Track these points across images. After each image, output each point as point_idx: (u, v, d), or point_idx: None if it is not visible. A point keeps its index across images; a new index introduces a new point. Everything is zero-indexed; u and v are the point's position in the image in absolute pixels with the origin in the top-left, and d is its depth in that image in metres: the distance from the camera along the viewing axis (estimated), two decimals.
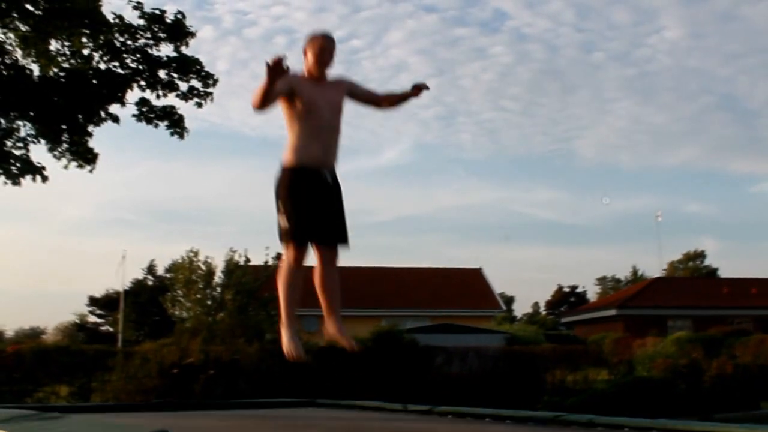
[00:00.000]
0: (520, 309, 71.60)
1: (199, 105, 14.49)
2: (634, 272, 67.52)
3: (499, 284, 74.33)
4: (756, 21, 69.86)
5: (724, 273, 60.47)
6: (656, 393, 17.26)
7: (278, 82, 4.39)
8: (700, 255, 65.74)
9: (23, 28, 13.00)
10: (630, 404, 16.05)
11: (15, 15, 12.68)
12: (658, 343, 21.86)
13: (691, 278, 56.02)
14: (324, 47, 4.76)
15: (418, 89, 5.03)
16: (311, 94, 4.66)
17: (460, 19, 76.06)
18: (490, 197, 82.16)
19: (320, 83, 4.77)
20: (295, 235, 4.60)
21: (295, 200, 4.60)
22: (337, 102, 4.83)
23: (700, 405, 16.90)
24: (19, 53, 13.29)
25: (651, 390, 17.38)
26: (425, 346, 20.40)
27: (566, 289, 69.56)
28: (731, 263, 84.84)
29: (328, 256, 4.80)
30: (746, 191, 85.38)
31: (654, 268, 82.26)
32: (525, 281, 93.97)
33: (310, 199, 4.61)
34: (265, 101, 4.49)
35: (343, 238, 4.83)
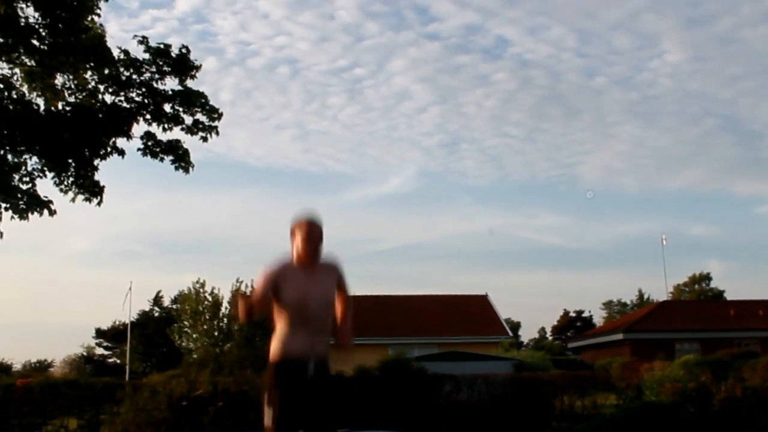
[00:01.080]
0: (527, 335, 71.60)
1: (204, 139, 14.57)
2: (641, 296, 67.44)
3: (505, 310, 74.31)
4: (756, 43, 70.45)
5: (731, 295, 60.42)
6: (665, 417, 17.18)
7: (265, 287, 4.62)
8: (706, 277, 65.59)
9: (29, 63, 13.13)
10: (639, 429, 15.98)
11: (21, 50, 12.83)
12: (665, 367, 21.74)
13: (698, 301, 55.87)
14: (311, 234, 4.83)
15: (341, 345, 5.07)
16: (298, 289, 4.69)
17: (463, 47, 76.69)
18: (494, 223, 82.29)
19: (310, 269, 4.79)
20: (279, 428, 4.66)
21: (280, 395, 4.67)
22: (326, 293, 4.85)
23: (709, 429, 16.83)
24: (25, 88, 13.43)
25: (660, 414, 17.30)
26: (433, 374, 20.35)
27: (572, 314, 69.38)
28: (737, 285, 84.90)
29: None
30: (751, 212, 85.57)
31: (660, 291, 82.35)
32: (531, 307, 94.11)
33: (294, 394, 4.67)
34: (251, 315, 4.68)
35: (325, 427, 4.84)
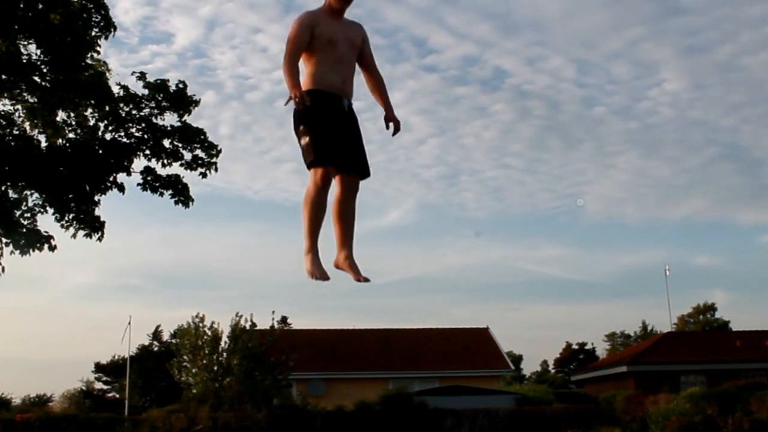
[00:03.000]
0: (529, 368, 70.93)
1: (204, 175, 14.59)
2: (644, 327, 66.98)
3: (506, 343, 73.95)
4: (757, 71, 70.54)
5: (736, 325, 59.93)
6: None
7: (303, 32, 4.59)
8: (711, 308, 65.19)
9: (31, 99, 13.20)
10: None
11: (23, 87, 12.89)
12: (671, 400, 21.57)
13: (703, 332, 55.46)
14: None
15: (393, 124, 5.06)
16: (331, 30, 4.70)
17: (461, 78, 77.00)
18: (495, 255, 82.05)
19: (338, 19, 4.80)
20: (319, 152, 4.52)
21: (316, 119, 4.57)
22: (355, 40, 4.86)
23: None
24: (26, 124, 13.48)
25: None
26: (434, 408, 20.22)
27: (575, 347, 68.91)
28: (743, 315, 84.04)
29: (349, 185, 4.73)
30: (755, 241, 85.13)
31: (664, 322, 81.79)
32: (533, 339, 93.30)
33: (331, 121, 4.61)
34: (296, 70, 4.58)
35: (365, 167, 4.80)
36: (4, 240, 13.09)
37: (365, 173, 4.81)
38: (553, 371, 68.04)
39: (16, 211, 13.20)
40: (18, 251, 13.05)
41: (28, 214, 13.44)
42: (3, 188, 12.96)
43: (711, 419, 18.95)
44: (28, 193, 13.36)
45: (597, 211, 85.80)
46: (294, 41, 4.63)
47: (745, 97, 75.15)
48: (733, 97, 75.90)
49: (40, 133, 13.50)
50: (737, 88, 74.21)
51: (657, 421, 19.94)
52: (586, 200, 76.69)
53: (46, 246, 13.24)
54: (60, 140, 13.62)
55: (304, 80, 4.65)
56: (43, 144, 13.53)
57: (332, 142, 4.56)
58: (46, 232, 13.43)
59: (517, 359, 63.77)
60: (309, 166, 4.56)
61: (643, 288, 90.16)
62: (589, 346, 68.71)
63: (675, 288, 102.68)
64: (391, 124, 5.06)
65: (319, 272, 4.67)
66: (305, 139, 4.56)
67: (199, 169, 14.54)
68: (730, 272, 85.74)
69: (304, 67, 4.72)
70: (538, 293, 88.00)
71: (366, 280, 4.81)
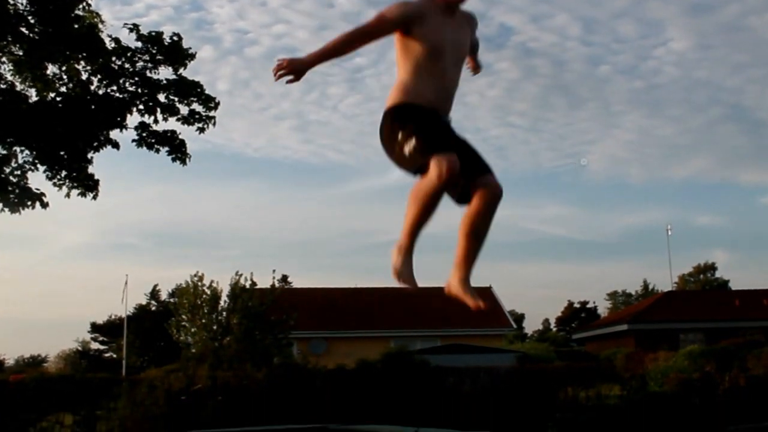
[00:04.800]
0: (531, 326, 71.23)
1: (201, 130, 14.33)
2: (645, 286, 67.13)
3: (508, 302, 74.15)
4: (763, 31, 69.82)
5: (736, 285, 60.02)
6: (670, 408, 17.01)
7: (393, 25, 3.77)
8: (711, 267, 65.29)
9: (17, 52, 12.87)
10: (644, 420, 15.80)
11: (9, 39, 12.56)
12: (670, 358, 21.53)
13: (703, 291, 55.55)
14: None
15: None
16: (439, 33, 3.80)
17: None
18: (498, 214, 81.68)
19: (451, 14, 3.87)
20: (437, 141, 3.66)
21: (419, 117, 3.74)
22: (464, 45, 3.98)
23: (714, 419, 16.66)
24: (13, 78, 13.15)
25: (664, 405, 17.13)
26: (436, 366, 20.13)
27: (577, 305, 69.05)
28: (743, 275, 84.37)
29: (491, 195, 3.96)
30: (757, 202, 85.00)
31: (665, 281, 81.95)
32: (535, 298, 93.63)
33: (438, 122, 3.81)
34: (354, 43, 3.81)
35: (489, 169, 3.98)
36: None
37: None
38: (554, 330, 68.26)
39: (5, 168, 12.94)
40: (8, 209, 12.83)
41: (18, 172, 13.17)
42: None
43: (708, 376, 18.95)
44: (18, 149, 13.08)
45: (601, 171, 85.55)
46: (378, 23, 3.79)
47: (751, 57, 74.47)
48: (738, 58, 75.26)
49: (29, 87, 13.19)
50: (743, 48, 73.51)
51: (656, 378, 19.92)
52: (589, 159, 76.36)
53: (38, 204, 12.99)
54: (51, 95, 13.30)
55: (395, 87, 3.85)
56: (33, 99, 13.22)
57: (448, 136, 3.78)
58: (37, 189, 13.19)
59: (520, 318, 63.98)
60: (427, 155, 3.63)
61: (645, 247, 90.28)
62: (590, 305, 68.88)
63: (676, 248, 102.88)
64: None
65: (408, 277, 4.06)
66: (410, 141, 3.68)
67: (197, 124, 14.26)
68: (731, 232, 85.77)
69: (399, 66, 3.87)
70: (541, 252, 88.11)
71: (484, 306, 4.08)
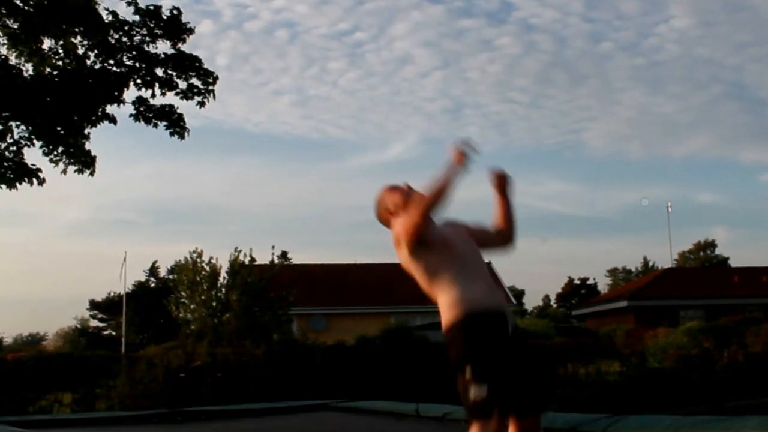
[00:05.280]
0: (531, 302, 71.37)
1: (201, 104, 14.16)
2: (645, 263, 67.19)
3: (508, 278, 74.12)
4: (765, 10, 69.53)
5: (735, 262, 60.18)
6: (669, 384, 17.04)
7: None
8: (711, 245, 65.35)
9: (12, 25, 12.66)
10: (643, 396, 15.81)
11: (3, 11, 12.35)
12: (669, 334, 21.56)
13: (702, 268, 55.64)
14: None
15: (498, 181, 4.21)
16: (438, 230, 3.85)
17: (466, 11, 75.84)
18: None
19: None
20: (494, 402, 3.47)
21: (490, 354, 3.53)
22: (462, 231, 3.96)
23: (712, 394, 16.70)
24: (8, 52, 12.94)
25: (663, 381, 17.15)
26: (436, 342, 20.11)
27: (577, 282, 69.15)
28: (742, 252, 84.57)
29: (528, 427, 3.65)
30: (757, 180, 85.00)
31: (665, 258, 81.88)
32: (535, 274, 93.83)
33: (505, 352, 3.56)
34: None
35: (543, 403, 3.81)
36: None
37: (542, 408, 3.76)
38: (554, 306, 68.39)
39: (0, 143, 12.79)
40: (5, 185, 12.69)
41: (14, 148, 13.00)
42: None
43: (707, 352, 19.02)
44: (13, 125, 12.91)
45: (601, 147, 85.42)
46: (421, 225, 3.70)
47: (752, 36, 74.26)
48: (739, 36, 75.04)
49: (24, 61, 12.99)
50: (745, 26, 73.21)
51: (655, 355, 19.99)
52: (590, 135, 76.03)
53: (34, 180, 12.85)
54: (47, 70, 13.11)
55: (449, 311, 3.67)
56: (29, 74, 13.02)
57: (507, 384, 3.51)
58: (33, 165, 13.03)
59: (520, 294, 64.02)
60: (476, 418, 3.50)
61: (645, 224, 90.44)
62: (590, 282, 69.03)
63: (676, 225, 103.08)
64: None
65: None
66: (475, 386, 3.50)
67: (196, 98, 14.09)
68: (731, 210, 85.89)
69: (438, 296, 3.75)
70: (541, 229, 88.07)
71: None
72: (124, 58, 13.64)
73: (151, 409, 11.01)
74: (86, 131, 13.53)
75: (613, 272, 71.68)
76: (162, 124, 14.06)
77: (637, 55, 77.52)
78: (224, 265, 20.78)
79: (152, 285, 44.86)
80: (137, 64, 13.66)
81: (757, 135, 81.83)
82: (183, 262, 21.09)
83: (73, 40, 13.32)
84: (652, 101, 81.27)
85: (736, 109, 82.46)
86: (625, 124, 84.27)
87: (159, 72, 13.81)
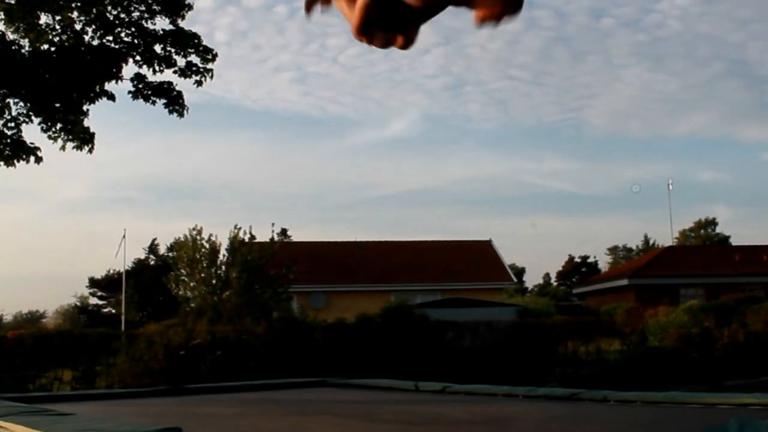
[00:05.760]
0: (531, 280, 71.33)
1: (199, 83, 14.03)
2: (646, 241, 67.16)
3: (509, 256, 74.10)
4: None
5: (736, 240, 60.00)
6: (669, 362, 17.03)
7: None
8: (712, 223, 65.24)
9: (10, 0, 12.51)
10: (643, 374, 15.80)
11: None
12: (670, 313, 21.49)
13: (703, 246, 55.55)
14: None
15: None
16: None
17: None
18: (499, 168, 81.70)
19: None
20: None
21: None
22: None
23: (712, 373, 16.69)
24: (6, 28, 12.80)
25: (664, 359, 17.15)
26: (436, 320, 20.11)
27: (577, 260, 69.15)
28: (743, 230, 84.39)
29: None
30: (758, 158, 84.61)
31: (666, 236, 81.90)
32: (535, 252, 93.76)
33: None
34: None
35: None
36: None
37: None
38: (555, 284, 68.45)
39: None
40: (3, 162, 12.62)
41: (12, 124, 12.91)
42: None
43: (707, 331, 19.00)
44: (11, 101, 12.82)
45: (602, 125, 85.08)
46: None
47: (754, 12, 73.52)
48: (741, 13, 74.31)
49: (21, 37, 12.86)
50: (746, 3, 72.56)
51: (656, 333, 19.94)
52: (591, 113, 75.76)
53: (32, 158, 12.78)
54: (44, 46, 12.99)
55: None
56: (26, 50, 12.90)
57: None
58: (31, 143, 12.96)
59: (520, 272, 64.03)
60: None
61: (646, 202, 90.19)
62: (591, 260, 69.03)
63: (678, 203, 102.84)
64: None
65: None
66: None
67: (194, 77, 13.96)
68: (732, 188, 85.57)
69: None
70: (542, 206, 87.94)
71: None
72: (123, 34, 13.53)
73: (151, 387, 10.99)
74: (85, 108, 13.44)
75: (613, 250, 71.68)
76: (161, 102, 13.95)
77: (638, 31, 77.01)
78: (224, 243, 20.76)
79: (152, 263, 44.83)
80: (136, 41, 13.54)
81: (759, 112, 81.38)
82: (182, 239, 21.05)
83: (70, 14, 13.19)
84: (654, 78, 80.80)
85: (738, 86, 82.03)
86: (626, 102, 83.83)
87: (158, 49, 13.69)
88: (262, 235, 21.72)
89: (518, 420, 3.97)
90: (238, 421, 4.30)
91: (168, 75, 13.90)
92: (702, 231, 64.58)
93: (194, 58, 13.96)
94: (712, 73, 78.99)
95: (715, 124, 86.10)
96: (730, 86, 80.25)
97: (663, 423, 3.58)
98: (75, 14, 13.15)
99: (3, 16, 12.64)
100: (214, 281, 20.03)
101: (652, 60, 78.53)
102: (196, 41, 13.91)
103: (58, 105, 12.94)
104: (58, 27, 13.15)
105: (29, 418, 3.77)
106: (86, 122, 13.56)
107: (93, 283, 47.30)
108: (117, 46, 13.40)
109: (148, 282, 38.29)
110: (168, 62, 13.82)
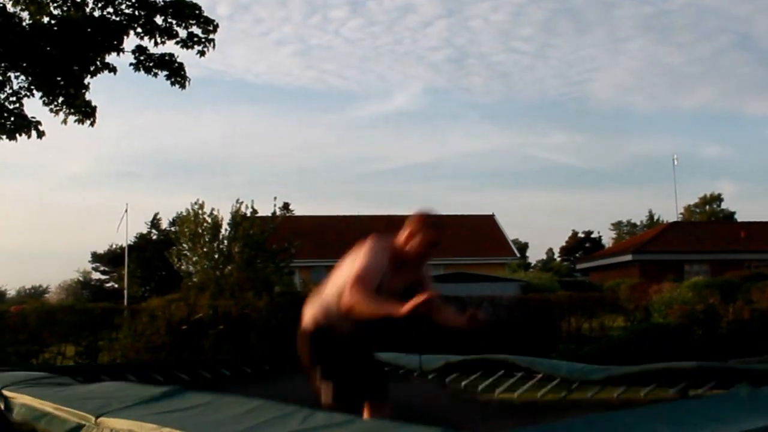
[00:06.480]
0: (534, 256, 71.48)
1: (202, 53, 13.95)
2: (650, 216, 67.03)
3: (512, 231, 74.01)
4: None
5: (742, 216, 59.91)
6: (673, 339, 16.99)
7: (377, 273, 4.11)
8: (717, 198, 65.05)
9: None
10: (646, 351, 15.76)
11: None
12: (674, 289, 21.40)
13: (708, 222, 55.44)
14: (438, 242, 4.42)
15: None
16: (388, 281, 4.25)
17: None
18: (502, 142, 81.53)
19: (405, 267, 4.38)
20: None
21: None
22: (400, 289, 4.34)
23: (716, 350, 16.65)
24: (5, 0, 12.69)
25: (667, 336, 17.09)
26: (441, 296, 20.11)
27: (581, 235, 69.10)
28: (749, 206, 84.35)
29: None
30: (764, 133, 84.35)
31: (670, 212, 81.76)
32: (539, 227, 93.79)
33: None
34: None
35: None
36: None
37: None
38: (558, 259, 68.47)
39: (0, 94, 12.64)
40: (5, 136, 12.56)
41: (14, 98, 12.85)
42: None
43: (712, 308, 18.94)
44: (12, 74, 12.74)
45: (607, 99, 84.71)
46: (373, 275, 4.11)
47: None
48: None
49: (21, 10, 12.76)
50: None
51: (659, 310, 19.86)
52: (596, 86, 75.33)
53: (34, 132, 12.72)
54: (44, 18, 12.88)
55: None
56: (26, 22, 12.79)
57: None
58: (33, 117, 12.90)
59: (523, 247, 64.11)
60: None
61: (651, 177, 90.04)
62: (595, 235, 68.99)
63: (683, 178, 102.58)
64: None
65: None
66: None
67: (196, 47, 13.89)
68: (737, 163, 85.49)
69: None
70: (545, 181, 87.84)
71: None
72: (123, 6, 13.41)
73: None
74: (86, 81, 13.37)
75: (617, 225, 71.56)
76: (162, 74, 13.90)
77: (644, 3, 76.53)
78: (226, 217, 20.70)
79: (154, 237, 44.82)
80: (137, 12, 13.42)
81: (765, 87, 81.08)
82: (184, 214, 21.01)
83: None
84: (659, 51, 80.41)
85: (744, 60, 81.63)
86: (631, 75, 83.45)
87: (159, 20, 13.59)
88: (265, 210, 21.69)
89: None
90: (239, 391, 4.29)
91: (169, 47, 13.85)
92: (707, 207, 64.42)
93: (195, 30, 13.88)
94: (718, 47, 78.63)
95: (721, 98, 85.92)
96: (736, 60, 79.86)
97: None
98: None
99: None
100: (216, 256, 20.01)
101: (658, 32, 78.22)
102: (197, 12, 13.81)
103: (59, 78, 12.86)
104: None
105: (34, 388, 3.75)
106: (88, 96, 13.52)
107: (96, 257, 47.35)
108: (118, 18, 13.30)
109: (151, 257, 38.31)
110: (169, 34, 13.74)
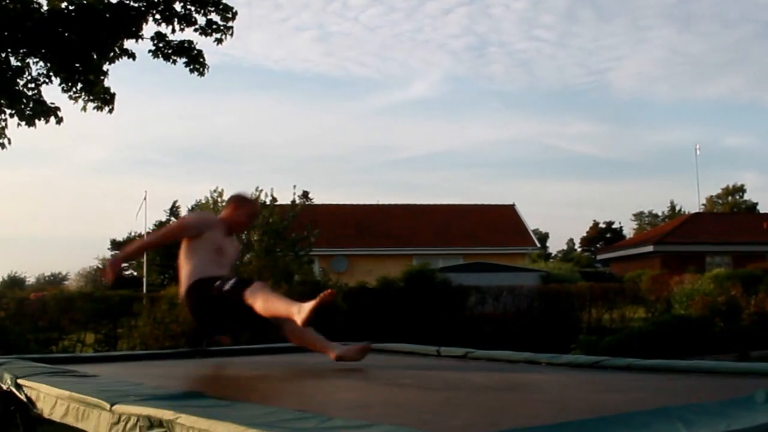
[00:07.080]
0: (555, 246, 71.17)
1: (219, 41, 13.90)
2: (672, 207, 66.47)
3: (533, 220, 73.78)
4: None
5: (764, 207, 59.38)
6: (694, 331, 16.82)
7: (193, 227, 5.18)
8: (740, 189, 64.42)
9: None
10: (667, 343, 15.62)
11: None
12: (696, 280, 21.23)
13: (731, 213, 54.94)
14: (256, 215, 5.75)
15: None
16: (224, 241, 5.21)
17: None
18: (523, 131, 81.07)
19: (230, 235, 5.37)
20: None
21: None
22: (236, 253, 5.61)
23: (738, 343, 16.48)
24: None
25: (688, 328, 16.94)
26: (458, 285, 20.01)
27: (602, 225, 68.72)
28: None
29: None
30: None
31: (692, 202, 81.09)
32: (559, 217, 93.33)
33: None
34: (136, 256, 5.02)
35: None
36: (8, 111, 12.55)
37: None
38: (579, 250, 68.14)
39: (19, 80, 12.61)
40: (24, 122, 12.56)
41: (32, 84, 12.84)
42: (3, 55, 12.31)
43: (734, 299, 18.80)
44: (31, 60, 12.73)
45: (629, 88, 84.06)
46: (181, 229, 5.29)
47: None
48: None
49: None
50: None
51: (681, 301, 19.71)
52: (617, 75, 74.74)
53: (53, 118, 12.71)
54: (63, 4, 12.85)
55: (188, 273, 5.05)
56: (45, 8, 12.76)
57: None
58: (52, 103, 12.90)
59: (544, 237, 63.85)
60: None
61: (673, 167, 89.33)
62: (616, 225, 68.59)
63: (705, 168, 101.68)
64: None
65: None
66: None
67: (215, 35, 13.83)
68: (760, 153, 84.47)
69: (185, 261, 5.11)
70: (567, 170, 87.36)
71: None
72: None
73: (172, 349, 10.97)
74: (105, 68, 13.34)
75: (639, 216, 71.08)
76: (181, 61, 13.86)
77: None
78: None
79: None
80: None
81: None
82: (203, 201, 20.93)
83: None
84: (682, 40, 79.64)
85: None
86: (653, 64, 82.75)
87: (177, 6, 13.54)
88: (284, 198, 21.59)
89: (540, 387, 3.85)
90: (259, 384, 4.20)
91: (188, 34, 13.80)
92: (729, 198, 63.83)
93: (214, 16, 13.83)
94: (741, 35, 77.72)
95: (744, 88, 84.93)
96: (760, 49, 78.93)
97: (687, 392, 3.44)
98: None
99: None
100: None
101: (680, 21, 77.38)
102: None
103: (78, 65, 12.83)
104: None
105: (53, 378, 3.70)
106: (106, 82, 13.49)
107: (115, 245, 47.46)
108: (136, 4, 13.25)
109: (170, 244, 38.25)
110: (188, 20, 13.69)
